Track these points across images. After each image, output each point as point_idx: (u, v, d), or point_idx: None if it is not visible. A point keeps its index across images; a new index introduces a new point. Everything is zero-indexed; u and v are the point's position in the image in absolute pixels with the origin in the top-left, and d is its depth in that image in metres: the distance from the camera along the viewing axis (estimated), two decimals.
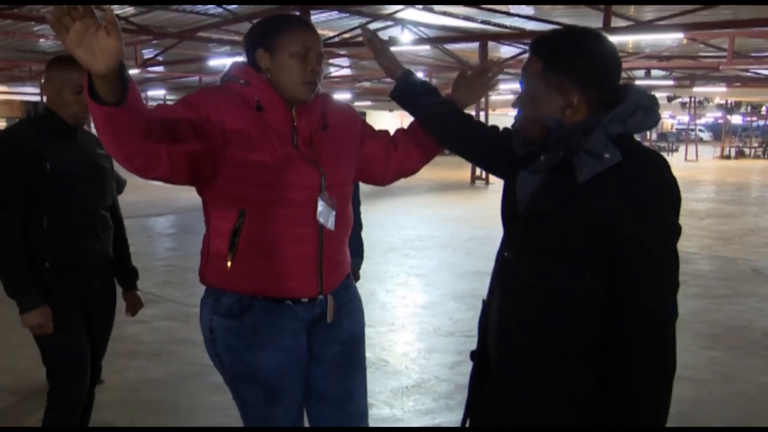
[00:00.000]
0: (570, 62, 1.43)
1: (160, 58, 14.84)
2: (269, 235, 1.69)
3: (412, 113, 1.91)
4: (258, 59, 1.73)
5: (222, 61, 15.14)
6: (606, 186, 1.34)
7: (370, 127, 1.99)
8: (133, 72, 15.54)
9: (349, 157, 1.88)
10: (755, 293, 5.97)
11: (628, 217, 1.33)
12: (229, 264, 1.71)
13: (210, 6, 10.57)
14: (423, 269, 6.73)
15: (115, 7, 10.39)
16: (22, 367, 3.74)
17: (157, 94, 28.13)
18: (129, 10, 10.69)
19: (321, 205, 1.72)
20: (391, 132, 2.02)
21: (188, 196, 13.85)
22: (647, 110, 1.43)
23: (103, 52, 1.23)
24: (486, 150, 1.79)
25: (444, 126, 1.86)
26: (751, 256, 7.59)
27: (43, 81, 2.27)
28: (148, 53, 15.19)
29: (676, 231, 1.38)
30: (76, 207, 2.32)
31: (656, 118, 1.45)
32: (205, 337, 1.83)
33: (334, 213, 1.74)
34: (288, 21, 1.76)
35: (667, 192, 1.38)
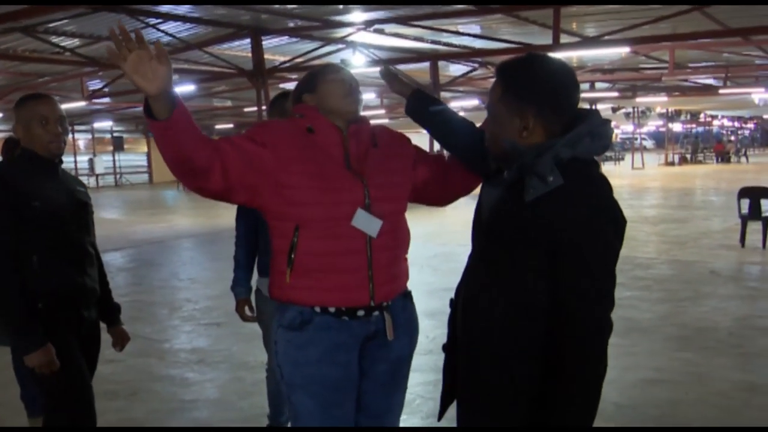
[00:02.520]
0: (526, 88, 1.54)
1: (107, 89, 14.54)
2: (321, 249, 1.83)
3: (423, 126, 2.02)
4: (306, 102, 1.96)
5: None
6: (549, 206, 1.45)
7: (424, 152, 2.12)
8: (79, 104, 15.20)
9: (400, 175, 1.99)
10: (716, 294, 6.16)
11: (568, 235, 1.44)
12: (288, 278, 1.85)
13: (159, 35, 10.44)
14: None
15: (59, 39, 10.18)
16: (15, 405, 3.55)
17: (103, 125, 27.46)
18: (74, 41, 10.47)
19: (359, 213, 1.83)
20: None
21: (146, 229, 13.64)
22: (596, 136, 1.53)
23: (155, 77, 1.53)
24: (482, 161, 1.86)
25: (447, 136, 1.99)
26: (707, 259, 7.85)
27: (13, 125, 2.36)
28: (94, 85, 14.87)
29: (613, 251, 1.48)
30: (66, 244, 2.34)
31: (605, 145, 1.56)
32: (271, 349, 1.98)
33: (378, 222, 1.85)
34: (320, 67, 2.03)
35: (606, 213, 1.48)
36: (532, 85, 1.54)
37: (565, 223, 1.44)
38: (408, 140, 2.10)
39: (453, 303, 1.77)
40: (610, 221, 1.47)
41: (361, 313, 1.87)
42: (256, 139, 1.82)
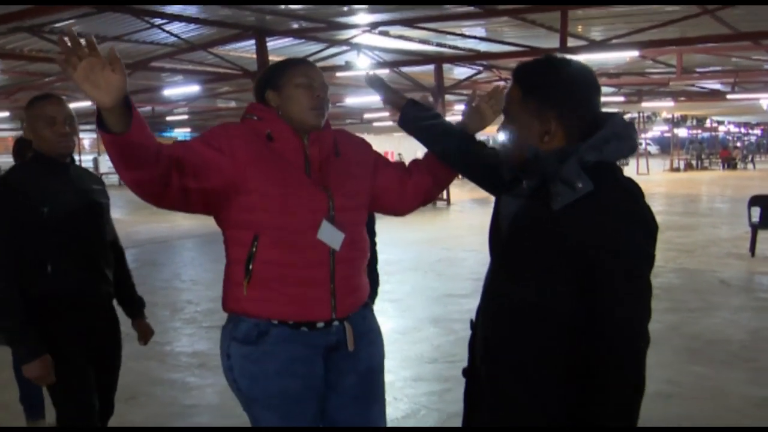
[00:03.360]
0: (547, 90, 1.48)
1: None
2: (282, 259, 1.74)
3: (416, 137, 1.95)
4: (268, 100, 1.84)
5: (176, 90, 14.92)
6: (579, 214, 1.38)
7: (384, 159, 2.06)
8: (83, 105, 15.15)
9: (361, 182, 1.92)
10: (728, 305, 6.05)
11: (601, 245, 1.37)
12: (245, 290, 1.76)
13: (164, 36, 10.38)
14: (397, 294, 6.62)
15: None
16: (16, 407, 3.49)
17: None
18: (80, 41, 10.41)
19: (324, 225, 1.76)
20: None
21: (148, 228, 13.63)
22: (622, 138, 1.46)
23: (108, 86, 1.38)
24: (484, 171, 1.83)
25: (444, 146, 1.92)
26: (716, 268, 7.73)
27: (23, 127, 2.40)
28: None
29: (648, 259, 1.42)
30: (78, 247, 2.33)
31: (632, 146, 1.49)
32: (222, 363, 1.86)
33: (341, 235, 1.77)
34: (289, 61, 1.88)
35: (640, 220, 1.41)
36: (554, 88, 1.48)
37: (597, 231, 1.37)
38: (369, 146, 2.03)
39: (473, 325, 1.68)
40: (643, 227, 1.41)
41: (320, 324, 1.81)
42: (213, 144, 1.72)
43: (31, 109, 2.33)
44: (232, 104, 20.98)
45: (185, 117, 23.80)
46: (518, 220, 1.51)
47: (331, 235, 1.77)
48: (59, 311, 2.29)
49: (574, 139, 1.46)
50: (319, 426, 1.88)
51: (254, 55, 11.14)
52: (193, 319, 5.84)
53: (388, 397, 3.84)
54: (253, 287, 1.76)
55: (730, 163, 33.79)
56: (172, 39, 10.45)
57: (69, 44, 1.36)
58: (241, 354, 1.79)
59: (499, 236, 1.58)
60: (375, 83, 2.02)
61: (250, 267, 1.75)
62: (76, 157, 2.52)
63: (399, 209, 2.06)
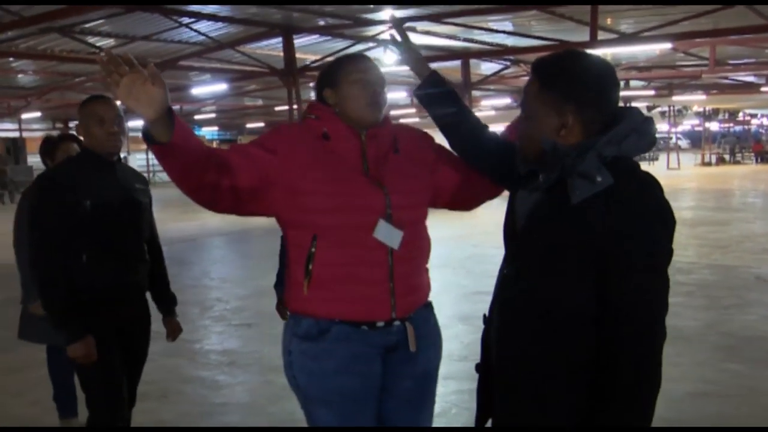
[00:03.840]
0: (565, 83, 1.47)
1: None
2: (340, 259, 1.74)
3: (432, 117, 1.91)
4: (326, 98, 1.84)
5: (204, 89, 15.07)
6: (598, 209, 1.37)
7: (448, 153, 1.96)
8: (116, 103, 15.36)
9: (420, 180, 1.89)
10: (763, 302, 5.91)
11: (619, 240, 1.36)
12: (305, 290, 1.77)
13: (192, 35, 10.48)
14: None
15: (95, 39, 10.28)
16: (29, 415, 3.56)
17: (137, 124, 27.84)
18: (109, 41, 10.57)
19: (381, 224, 1.75)
20: None
21: (178, 227, 13.77)
22: (641, 133, 1.45)
23: (149, 100, 1.44)
24: (498, 165, 1.82)
25: (459, 136, 1.89)
26: (751, 263, 7.55)
27: (75, 126, 2.54)
28: None
29: (666, 254, 1.41)
30: (115, 242, 2.43)
31: (651, 141, 1.48)
32: (284, 360, 1.86)
33: (399, 234, 1.76)
34: (345, 57, 1.89)
35: (659, 215, 1.40)
36: (572, 81, 1.47)
37: (615, 225, 1.36)
38: (430, 140, 1.97)
39: (487, 320, 1.67)
40: (662, 223, 1.40)
41: (380, 324, 1.79)
42: (266, 146, 1.76)
43: (83, 109, 2.44)
44: (260, 102, 21.13)
45: (213, 115, 24.03)
46: (535, 213, 1.50)
47: (388, 234, 1.75)
48: (93, 302, 2.38)
49: (591, 133, 1.45)
50: (374, 424, 1.86)
51: (281, 53, 11.18)
52: (222, 317, 5.89)
53: None
54: (313, 287, 1.76)
55: (763, 157, 33.01)
56: (200, 38, 10.55)
57: (109, 64, 1.44)
58: (301, 350, 1.79)
59: (513, 231, 1.58)
60: (399, 31, 1.95)
61: (310, 267, 1.75)
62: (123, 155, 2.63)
63: (466, 205, 2.04)
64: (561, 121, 1.47)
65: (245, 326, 5.54)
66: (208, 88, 14.86)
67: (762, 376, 4.05)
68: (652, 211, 1.39)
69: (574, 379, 1.43)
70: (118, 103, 2.12)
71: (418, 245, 1.85)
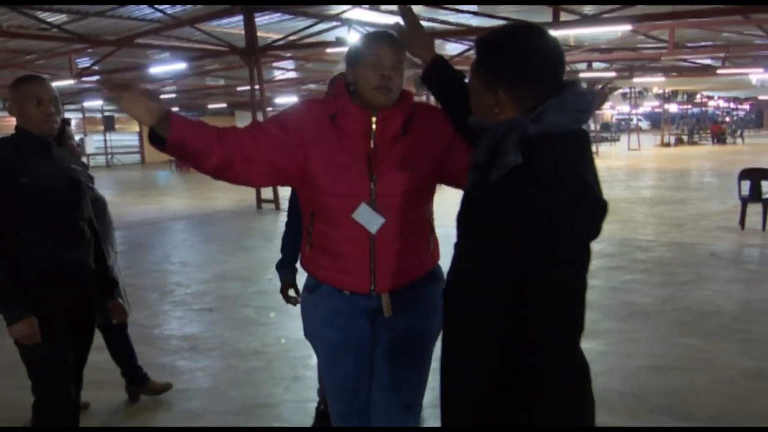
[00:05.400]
0: (498, 61, 1.46)
1: (97, 67, 14.25)
2: (328, 233, 1.93)
3: (436, 97, 1.94)
4: (346, 76, 1.94)
5: (163, 68, 14.69)
6: (510, 188, 1.36)
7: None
8: (68, 83, 14.89)
9: (427, 165, 1.92)
10: (718, 277, 6.06)
11: (524, 216, 1.34)
12: (307, 252, 2.02)
13: (149, 11, 10.17)
14: None
15: (46, 14, 9.91)
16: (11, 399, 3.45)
17: (94, 104, 27.09)
18: (62, 17, 10.20)
19: (361, 208, 1.86)
20: None
21: (138, 210, 13.47)
22: (563, 109, 1.41)
23: (146, 110, 1.74)
24: None
25: (464, 111, 1.85)
26: (707, 241, 7.74)
27: (8, 105, 2.42)
28: (83, 62, 14.57)
29: (575, 232, 1.36)
30: (55, 220, 2.38)
31: (576, 117, 1.42)
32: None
33: (380, 220, 1.86)
34: (368, 37, 1.92)
35: (570, 192, 1.35)
36: (503, 58, 1.45)
37: (522, 203, 1.35)
38: (449, 123, 1.93)
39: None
40: (574, 201, 1.35)
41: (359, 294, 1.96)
42: (281, 122, 1.91)
43: (17, 89, 2.38)
44: (221, 82, 20.72)
45: (173, 96, 23.50)
46: (467, 192, 1.51)
47: (368, 218, 1.86)
48: (36, 282, 2.34)
49: (526, 110, 1.43)
50: (359, 377, 2.00)
51: (242, 31, 10.96)
52: (183, 302, 5.78)
53: None
54: (312, 250, 1.99)
55: (719, 138, 33.85)
56: (158, 14, 10.26)
57: (111, 88, 1.75)
58: (304, 299, 2.10)
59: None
60: (407, 14, 1.92)
61: (310, 230, 1.98)
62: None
63: None
64: (495, 99, 1.46)
65: (206, 311, 5.46)
66: (167, 68, 14.48)
67: (717, 349, 4.16)
68: (563, 189, 1.35)
69: (490, 358, 1.41)
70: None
71: (408, 229, 1.92)
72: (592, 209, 1.38)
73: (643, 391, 3.53)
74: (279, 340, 4.57)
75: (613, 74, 18.66)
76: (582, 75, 16.43)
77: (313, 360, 4.12)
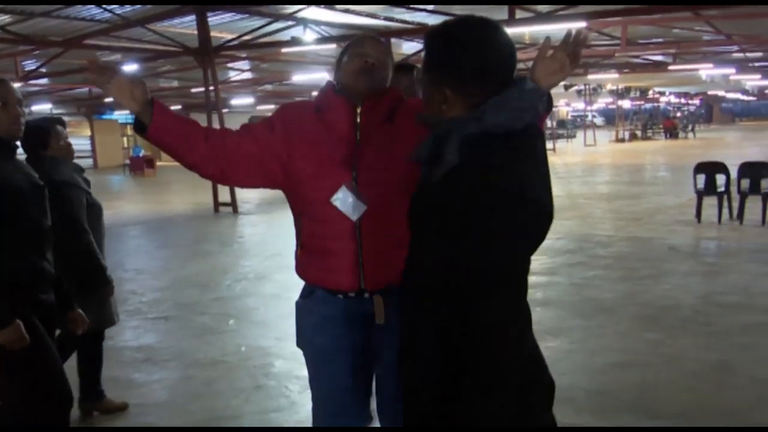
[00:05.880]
0: (443, 58, 1.45)
1: (44, 70, 13.77)
2: (316, 231, 1.92)
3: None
4: (335, 80, 1.97)
5: None
6: (447, 187, 1.39)
7: None
8: (15, 86, 14.31)
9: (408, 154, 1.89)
10: (677, 271, 6.13)
11: (458, 213, 1.35)
12: (299, 255, 2.00)
13: (97, 11, 9.84)
14: None
15: None
16: None
17: (42, 108, 26.22)
18: (5, 18, 9.79)
19: (341, 191, 1.84)
20: None
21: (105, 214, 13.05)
22: (501, 108, 1.39)
23: (134, 96, 1.80)
24: None
25: None
26: (664, 235, 7.85)
27: None
28: (29, 65, 14.06)
29: (509, 230, 1.36)
30: (24, 226, 2.32)
31: (516, 116, 1.39)
32: None
33: (362, 206, 1.85)
34: (354, 38, 1.99)
35: (503, 192, 1.35)
36: (448, 55, 1.44)
37: (456, 204, 1.36)
38: None
39: None
40: (508, 199, 1.35)
41: (351, 294, 1.92)
42: (268, 121, 1.95)
43: None
44: (175, 84, 20.28)
45: None
46: (416, 188, 1.52)
47: (348, 203, 1.84)
48: (11, 288, 2.25)
49: (473, 108, 1.41)
50: (352, 385, 1.98)
51: (195, 31, 10.71)
52: (137, 311, 5.57)
53: None
54: (303, 252, 1.99)
55: (672, 133, 34.73)
56: (107, 15, 9.93)
57: (97, 72, 1.79)
58: (298, 305, 2.06)
59: None
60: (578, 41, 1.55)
61: (300, 238, 1.99)
62: None
63: None
64: (441, 97, 1.44)
65: (162, 320, 5.26)
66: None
67: (679, 343, 4.18)
68: (496, 188, 1.35)
69: (434, 347, 1.41)
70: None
71: (394, 221, 1.81)
72: (528, 211, 1.37)
73: (609, 389, 3.50)
74: (239, 349, 4.42)
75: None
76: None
77: (275, 368, 4.00)
